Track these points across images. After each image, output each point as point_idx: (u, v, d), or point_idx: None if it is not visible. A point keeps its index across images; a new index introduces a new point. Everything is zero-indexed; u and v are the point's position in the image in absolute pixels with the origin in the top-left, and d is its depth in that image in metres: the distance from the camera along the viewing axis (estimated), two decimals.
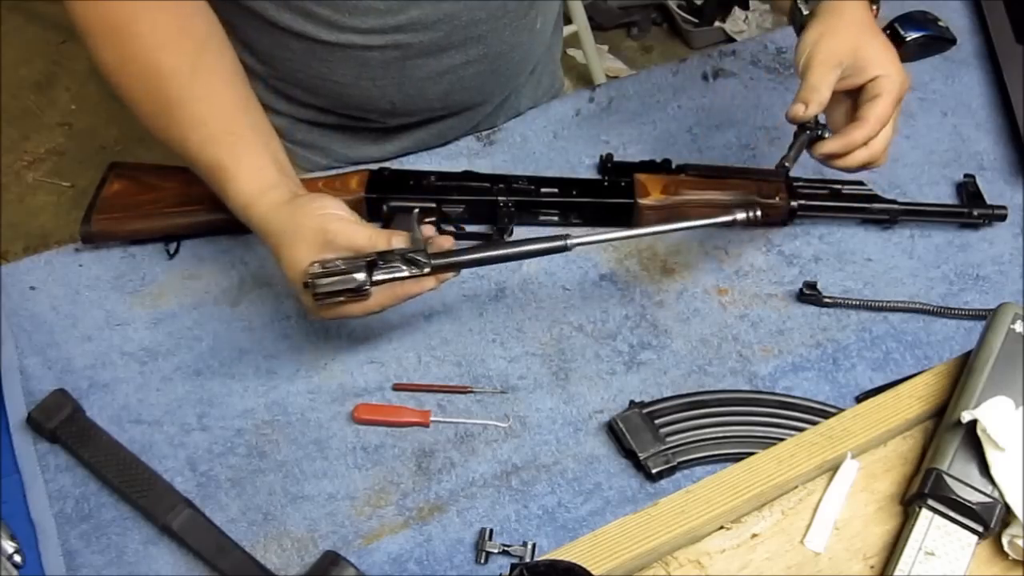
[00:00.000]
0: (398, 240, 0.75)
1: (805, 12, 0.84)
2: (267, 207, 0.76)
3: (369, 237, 0.74)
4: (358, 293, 0.72)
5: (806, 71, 0.80)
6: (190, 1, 0.78)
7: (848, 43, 0.79)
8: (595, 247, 0.92)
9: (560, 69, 1.15)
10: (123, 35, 0.76)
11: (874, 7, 0.85)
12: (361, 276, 0.72)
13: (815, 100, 0.79)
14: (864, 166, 0.82)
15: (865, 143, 0.80)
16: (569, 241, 0.75)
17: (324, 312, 0.74)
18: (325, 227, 0.73)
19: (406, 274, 0.74)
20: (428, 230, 0.83)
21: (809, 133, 0.83)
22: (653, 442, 0.78)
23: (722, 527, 0.68)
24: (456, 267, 0.77)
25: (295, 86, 0.96)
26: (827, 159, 0.82)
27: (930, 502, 0.66)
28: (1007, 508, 0.65)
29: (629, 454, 0.79)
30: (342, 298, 0.72)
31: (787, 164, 0.82)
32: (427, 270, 0.74)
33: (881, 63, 0.79)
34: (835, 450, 0.70)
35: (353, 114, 0.97)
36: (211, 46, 0.79)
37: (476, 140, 1.01)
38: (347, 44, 0.87)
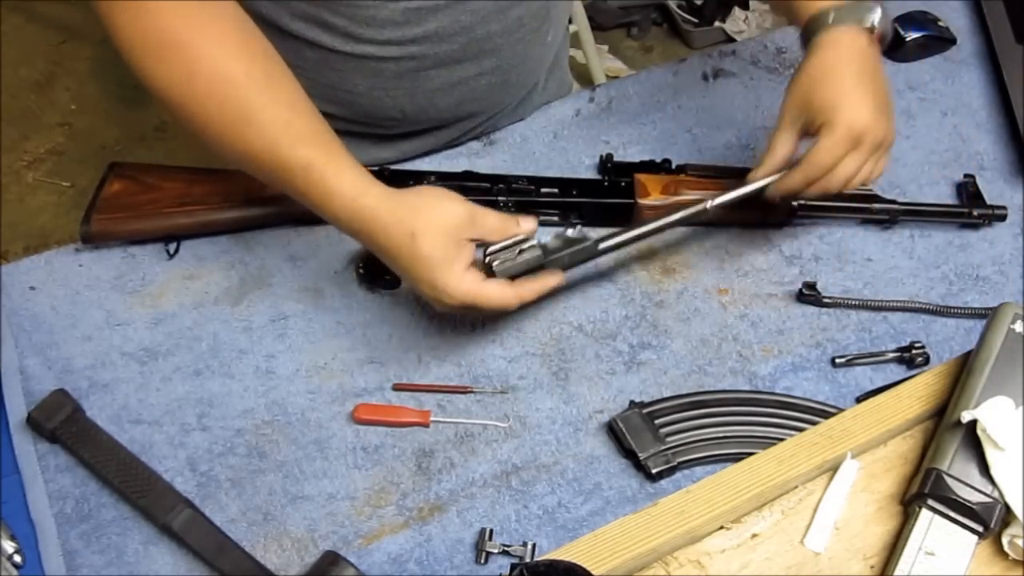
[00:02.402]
0: (526, 222, 0.77)
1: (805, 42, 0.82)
2: (383, 194, 0.74)
3: (501, 219, 0.76)
4: (539, 266, 0.76)
5: (777, 124, 0.80)
6: (243, 15, 0.76)
7: (817, 93, 0.78)
8: None
9: (569, 74, 1.15)
10: (187, 51, 0.72)
11: (874, 29, 0.80)
12: (538, 252, 0.77)
13: (768, 165, 0.80)
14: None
15: (804, 184, 0.79)
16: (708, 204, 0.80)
17: (471, 300, 0.73)
18: (470, 210, 0.74)
19: (577, 248, 0.78)
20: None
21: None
22: (653, 442, 0.78)
23: (722, 527, 0.68)
24: (619, 246, 0.80)
25: (306, 93, 0.95)
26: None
27: (930, 502, 0.66)
28: (1007, 508, 0.65)
29: (629, 454, 0.79)
30: (522, 266, 0.76)
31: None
32: (595, 246, 0.79)
33: (827, 109, 0.77)
34: (835, 450, 0.70)
35: (362, 121, 0.97)
36: (273, 54, 0.77)
37: (476, 140, 1.01)
38: (362, 55, 0.87)
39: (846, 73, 0.77)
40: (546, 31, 0.94)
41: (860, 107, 0.76)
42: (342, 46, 0.86)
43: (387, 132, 0.99)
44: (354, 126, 0.98)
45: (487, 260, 0.76)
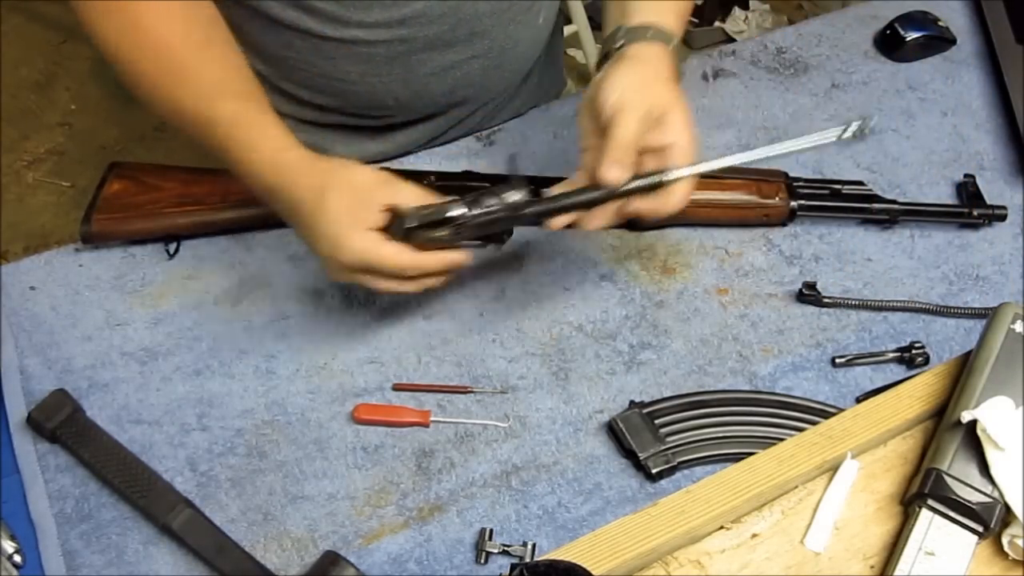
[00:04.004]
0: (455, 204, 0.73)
1: (618, 45, 0.76)
2: (306, 153, 0.75)
3: (421, 191, 0.74)
4: (456, 231, 0.71)
5: (614, 123, 0.70)
6: None
7: (661, 99, 0.72)
8: (595, 246, 0.92)
9: (562, 70, 1.15)
10: (130, 8, 0.76)
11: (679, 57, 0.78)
12: (462, 210, 0.70)
13: (629, 163, 0.71)
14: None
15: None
16: (666, 176, 0.70)
17: (366, 259, 0.71)
18: (387, 176, 0.74)
19: (503, 216, 0.71)
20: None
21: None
22: (653, 442, 0.78)
23: (722, 527, 0.68)
24: (557, 212, 0.72)
25: (299, 86, 0.96)
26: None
27: (930, 502, 0.66)
28: (1007, 508, 0.65)
29: (629, 454, 0.79)
30: (438, 233, 0.70)
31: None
32: (529, 211, 0.72)
33: (678, 131, 0.72)
34: (835, 450, 0.70)
35: (357, 112, 0.97)
36: (218, 23, 0.80)
37: (476, 140, 1.01)
38: (351, 40, 0.87)
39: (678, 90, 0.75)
40: (536, 12, 0.94)
41: (691, 133, 0.73)
42: (332, 31, 0.87)
43: (382, 124, 0.98)
44: (349, 119, 0.98)
45: (406, 220, 0.71)
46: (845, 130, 0.69)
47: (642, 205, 0.72)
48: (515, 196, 0.72)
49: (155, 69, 0.77)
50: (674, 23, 0.78)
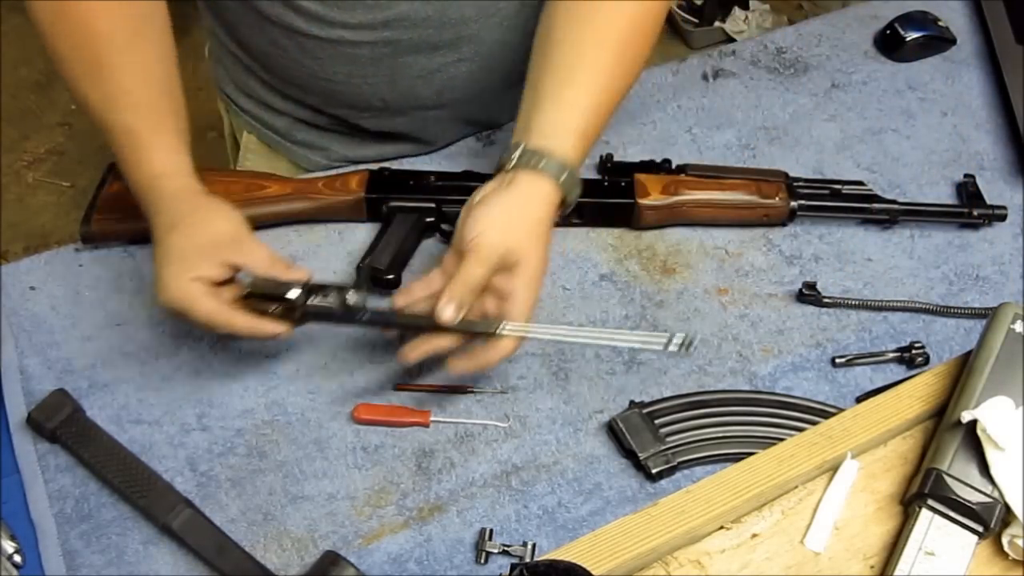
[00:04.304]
0: (296, 271, 0.75)
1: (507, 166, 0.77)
2: (182, 186, 0.77)
3: (272, 258, 0.75)
4: (289, 310, 0.74)
5: (465, 260, 0.73)
6: None
7: (520, 245, 0.74)
8: (594, 247, 0.92)
9: None
10: None
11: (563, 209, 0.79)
12: (297, 293, 0.73)
13: (468, 302, 0.73)
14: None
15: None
16: (500, 329, 0.73)
17: (180, 306, 0.73)
18: (242, 236, 0.75)
19: (336, 313, 0.74)
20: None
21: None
22: (653, 442, 0.78)
23: (722, 527, 0.68)
24: (388, 326, 0.77)
25: (289, 84, 0.96)
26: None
27: (930, 502, 0.66)
28: (1007, 508, 0.65)
29: (629, 454, 0.79)
30: (271, 308, 0.74)
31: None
32: (362, 317, 0.75)
33: (522, 283, 0.74)
34: (835, 450, 0.70)
35: (346, 114, 0.97)
36: (152, 23, 0.79)
37: (476, 140, 1.01)
38: (336, 40, 0.87)
39: (539, 236, 0.76)
40: (525, 16, 0.94)
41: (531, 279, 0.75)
42: (317, 31, 0.87)
43: (376, 128, 0.98)
44: (342, 122, 0.98)
45: (248, 285, 0.75)
46: (669, 342, 0.71)
47: (459, 365, 0.75)
48: (354, 299, 0.74)
49: (73, 60, 0.77)
50: (575, 147, 0.77)
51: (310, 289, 0.74)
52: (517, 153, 0.77)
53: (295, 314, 0.74)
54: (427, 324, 0.74)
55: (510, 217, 0.75)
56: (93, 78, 0.77)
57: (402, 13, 0.86)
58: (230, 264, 0.75)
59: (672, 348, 0.71)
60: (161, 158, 0.77)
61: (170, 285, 0.73)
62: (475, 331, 0.74)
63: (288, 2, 0.85)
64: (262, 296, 0.74)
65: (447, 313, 0.72)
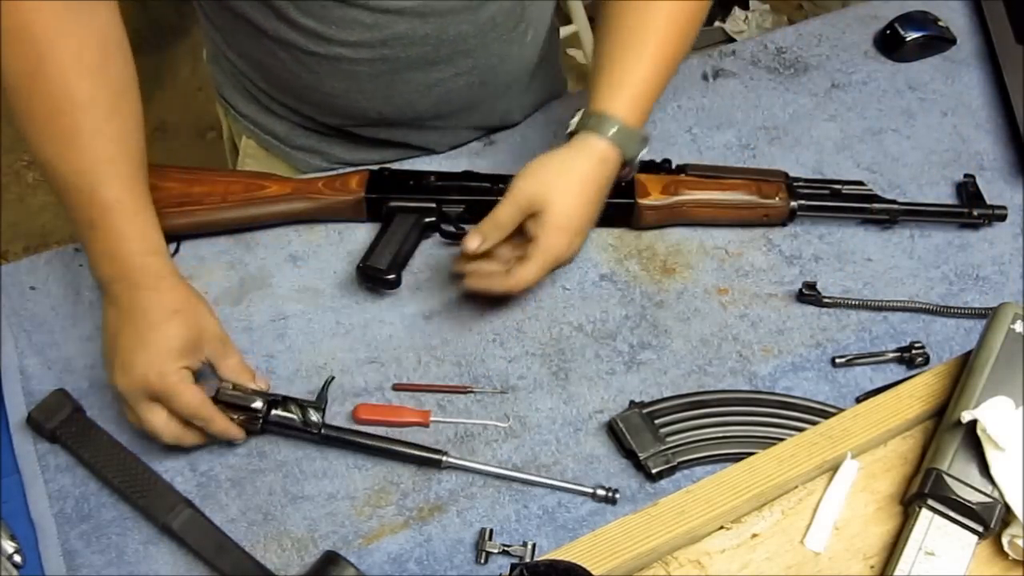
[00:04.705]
0: (260, 381, 0.78)
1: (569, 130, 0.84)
2: (173, 269, 0.77)
3: (242, 364, 0.78)
4: (251, 419, 0.77)
5: (501, 202, 0.80)
6: (115, 40, 0.75)
7: (553, 194, 0.79)
8: (595, 246, 0.92)
9: (561, 70, 1.14)
10: (40, 50, 0.71)
11: (627, 168, 0.85)
12: (260, 404, 0.77)
13: (492, 239, 0.80)
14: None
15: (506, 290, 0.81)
16: (444, 459, 0.77)
17: (166, 389, 0.72)
18: (224, 332, 0.77)
19: (296, 426, 0.78)
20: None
21: None
22: (653, 442, 0.78)
23: (722, 527, 0.68)
24: (344, 445, 0.79)
25: (286, 93, 0.95)
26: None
27: (930, 502, 0.66)
28: (1007, 508, 0.65)
29: (629, 454, 0.79)
30: (236, 415, 0.76)
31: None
32: (317, 432, 0.78)
33: (546, 230, 0.79)
34: (835, 450, 0.70)
35: (343, 124, 0.97)
36: (129, 94, 0.76)
37: (476, 140, 1.01)
38: (334, 56, 0.87)
39: (582, 191, 0.81)
40: (523, 31, 0.94)
41: (566, 241, 0.80)
42: (315, 47, 0.86)
43: (374, 136, 0.98)
44: (330, 131, 0.98)
45: (219, 388, 0.76)
46: (595, 492, 0.76)
47: (477, 282, 0.82)
48: (315, 416, 0.78)
49: (47, 122, 0.73)
50: (628, 105, 0.82)
51: (272, 401, 0.78)
52: (575, 119, 0.83)
53: (256, 423, 0.77)
54: (383, 445, 0.78)
55: (548, 169, 0.81)
56: (71, 147, 0.73)
57: (400, 32, 0.86)
58: (208, 362, 0.76)
59: (599, 496, 0.76)
60: (152, 235, 0.76)
61: (168, 370, 0.72)
62: (421, 462, 0.78)
63: (287, 20, 0.85)
64: (227, 403, 0.76)
65: (472, 243, 0.80)
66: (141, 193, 0.76)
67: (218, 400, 0.76)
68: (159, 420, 0.74)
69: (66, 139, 0.73)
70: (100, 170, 0.73)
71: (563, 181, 0.80)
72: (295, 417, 0.77)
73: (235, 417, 0.77)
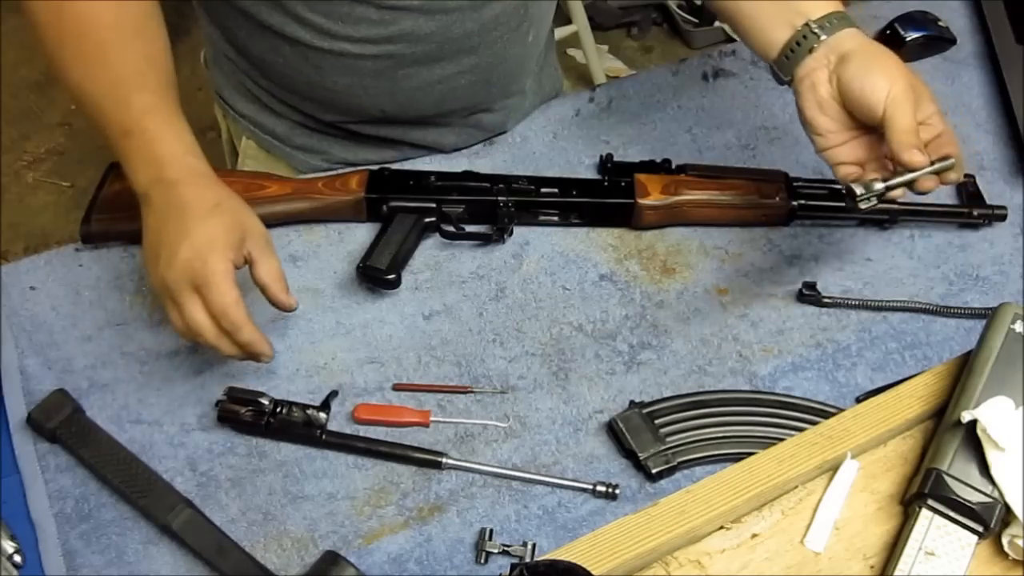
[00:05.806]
0: (292, 300, 0.78)
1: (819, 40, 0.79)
2: (205, 165, 0.77)
3: (279, 270, 0.77)
4: (257, 413, 0.78)
5: (896, 112, 0.75)
6: None
7: (910, 81, 0.77)
8: (594, 247, 0.92)
9: (558, 70, 1.14)
10: None
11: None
12: (268, 400, 0.78)
13: (922, 146, 0.77)
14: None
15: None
16: (444, 460, 0.78)
17: (215, 279, 0.71)
18: (268, 235, 0.77)
19: (299, 428, 0.79)
20: None
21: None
22: (653, 442, 0.78)
23: (722, 527, 0.68)
24: (345, 450, 0.80)
25: (287, 90, 0.95)
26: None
27: (930, 502, 0.66)
28: (1007, 508, 0.65)
29: (629, 454, 0.79)
30: (243, 410, 0.79)
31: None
32: (321, 436, 0.79)
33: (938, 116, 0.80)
34: (835, 450, 0.70)
35: (344, 121, 0.97)
36: (154, 20, 0.79)
37: (476, 142, 1.01)
38: (340, 52, 0.87)
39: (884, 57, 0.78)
40: (526, 30, 0.94)
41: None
42: (320, 43, 0.87)
43: (375, 134, 0.98)
44: (334, 128, 0.98)
45: (224, 391, 0.79)
46: (596, 487, 0.77)
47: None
48: (322, 416, 0.79)
49: (75, 46, 0.76)
50: (840, 5, 0.80)
51: (278, 402, 0.79)
52: (815, 26, 0.79)
53: (263, 421, 0.78)
54: (385, 450, 0.79)
55: (886, 63, 0.77)
56: (100, 65, 0.76)
57: (406, 28, 0.86)
58: (250, 258, 0.75)
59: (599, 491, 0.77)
60: (187, 138, 0.77)
61: (213, 257, 0.71)
62: (421, 463, 0.79)
63: (293, 15, 0.85)
64: (236, 400, 0.78)
65: (919, 157, 0.75)
66: (174, 103, 0.77)
67: (225, 400, 0.78)
68: (202, 314, 0.73)
69: (95, 60, 0.76)
70: (131, 82, 0.76)
71: (901, 64, 0.78)
72: (298, 419, 0.78)
73: (243, 412, 0.78)
